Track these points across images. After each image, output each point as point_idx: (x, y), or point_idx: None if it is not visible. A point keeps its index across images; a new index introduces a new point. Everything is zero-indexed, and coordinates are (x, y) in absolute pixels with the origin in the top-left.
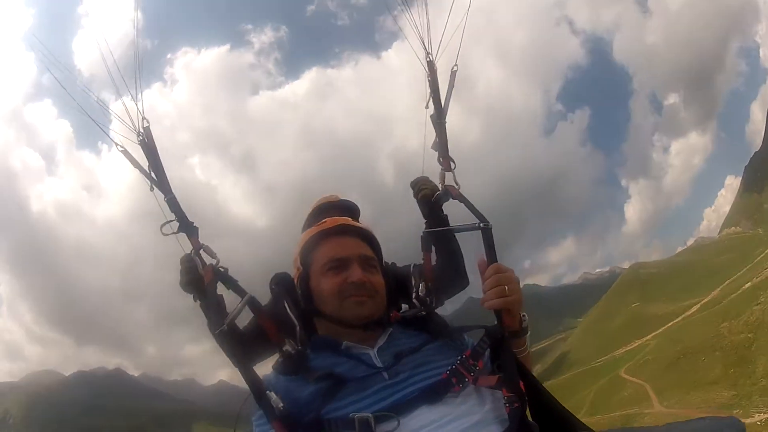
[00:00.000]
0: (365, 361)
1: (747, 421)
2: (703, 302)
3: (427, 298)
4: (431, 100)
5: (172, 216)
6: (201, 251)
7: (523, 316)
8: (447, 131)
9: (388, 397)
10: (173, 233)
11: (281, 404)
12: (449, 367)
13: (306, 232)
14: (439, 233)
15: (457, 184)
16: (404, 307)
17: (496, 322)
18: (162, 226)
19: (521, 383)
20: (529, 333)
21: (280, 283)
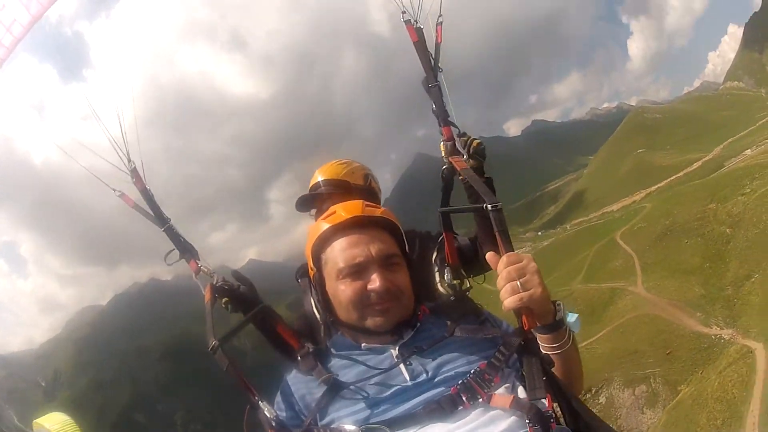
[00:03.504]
0: (383, 362)
1: (705, 330)
2: (704, 159)
3: (455, 283)
4: (420, 63)
5: (172, 245)
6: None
7: (558, 304)
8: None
9: (405, 402)
10: (176, 261)
11: (275, 414)
12: (463, 379)
13: (314, 225)
14: (471, 193)
15: (463, 155)
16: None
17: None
18: (165, 256)
19: (549, 397)
20: (566, 326)
21: (305, 275)
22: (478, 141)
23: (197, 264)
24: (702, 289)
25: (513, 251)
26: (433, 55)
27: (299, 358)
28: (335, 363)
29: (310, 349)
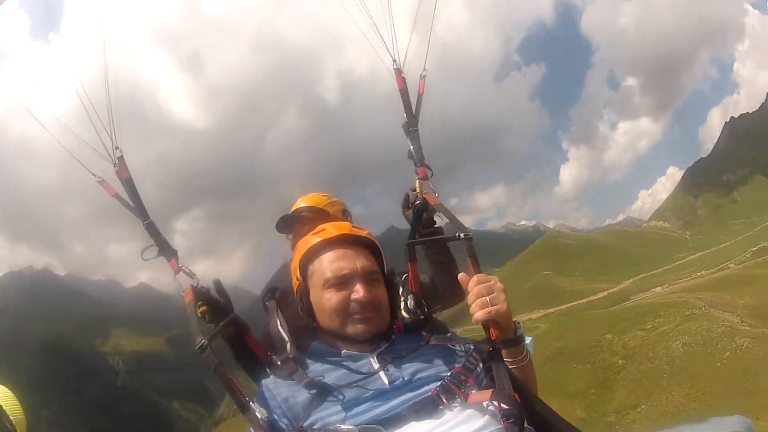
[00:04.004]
0: (363, 367)
1: None
2: (611, 290)
3: (417, 310)
4: (403, 109)
5: (152, 241)
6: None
7: (517, 324)
8: (420, 138)
9: (384, 403)
10: (154, 258)
11: (265, 415)
12: (440, 381)
13: (304, 239)
14: (436, 248)
15: (435, 193)
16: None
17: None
18: (142, 251)
19: (516, 396)
20: (524, 343)
21: (272, 298)
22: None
23: (178, 264)
24: (584, 413)
25: (482, 273)
26: (415, 104)
27: (279, 362)
28: (314, 368)
29: (290, 355)
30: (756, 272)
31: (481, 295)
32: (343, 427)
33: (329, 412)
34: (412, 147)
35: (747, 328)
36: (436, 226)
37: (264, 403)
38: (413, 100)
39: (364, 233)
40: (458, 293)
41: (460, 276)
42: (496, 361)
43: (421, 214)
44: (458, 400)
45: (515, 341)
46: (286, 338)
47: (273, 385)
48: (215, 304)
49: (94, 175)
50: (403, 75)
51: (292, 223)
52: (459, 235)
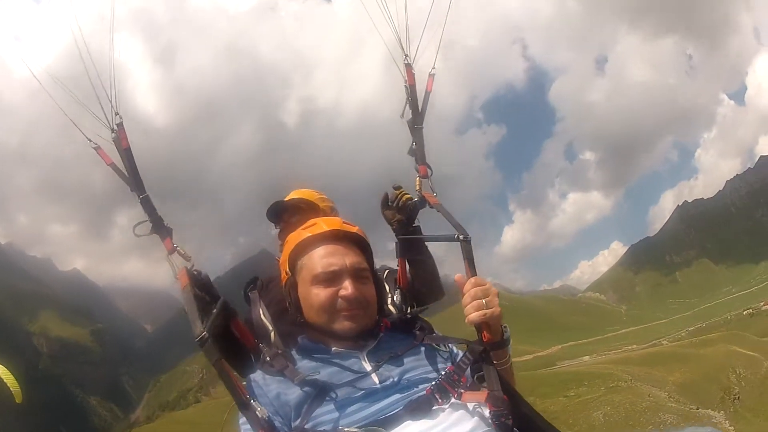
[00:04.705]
0: (353, 365)
1: None
2: (537, 354)
3: (403, 306)
4: (407, 104)
5: (146, 216)
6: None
7: (504, 327)
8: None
9: (376, 402)
10: (146, 234)
11: (266, 414)
12: (434, 381)
13: (295, 234)
14: (412, 243)
15: (434, 192)
16: (391, 309)
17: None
18: (135, 226)
19: (505, 397)
20: (510, 344)
21: (254, 288)
22: (409, 196)
23: (172, 244)
24: None
25: (477, 276)
26: (421, 101)
27: (268, 358)
28: (303, 364)
29: (278, 350)
30: (689, 351)
31: (477, 297)
32: (345, 429)
33: (322, 411)
34: (414, 144)
35: (674, 404)
36: (415, 224)
37: (255, 400)
38: (420, 97)
39: (354, 229)
40: (435, 292)
41: (457, 277)
42: (487, 362)
43: (417, 210)
44: (452, 399)
45: (502, 344)
46: (270, 327)
47: (262, 380)
48: (207, 289)
49: (90, 141)
50: (413, 71)
51: (283, 211)
52: (458, 236)
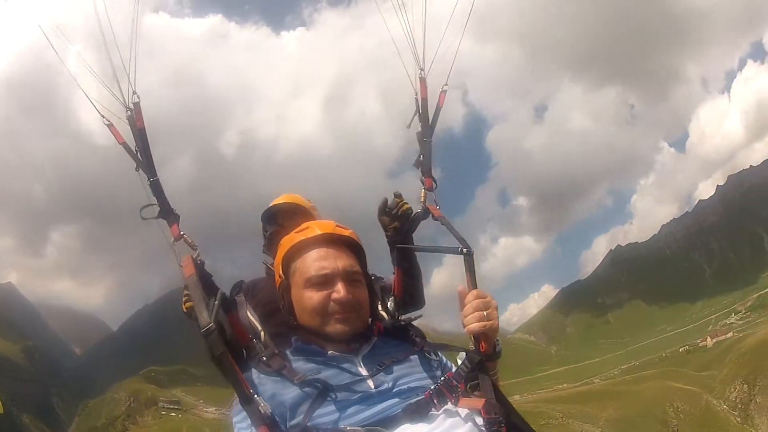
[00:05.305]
0: (350, 368)
1: None
2: None
3: (396, 313)
4: (417, 116)
5: (154, 200)
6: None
7: (497, 341)
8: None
9: (372, 406)
10: (153, 218)
11: (269, 410)
12: (432, 386)
13: (288, 237)
14: (407, 252)
15: (437, 205)
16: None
17: (471, 345)
18: (142, 209)
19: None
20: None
21: (240, 292)
22: (408, 206)
23: (179, 230)
24: None
25: (479, 289)
26: (432, 115)
27: (264, 358)
28: (300, 365)
29: (276, 350)
30: (622, 388)
31: (479, 308)
32: (350, 427)
33: (323, 411)
34: (422, 156)
35: None
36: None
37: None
38: (431, 111)
39: (347, 233)
40: (417, 302)
41: (459, 288)
42: (483, 371)
43: (419, 221)
44: (449, 404)
45: (495, 356)
46: (259, 327)
47: (257, 379)
48: (207, 281)
49: (104, 117)
50: (426, 85)
51: (279, 214)
52: (462, 249)
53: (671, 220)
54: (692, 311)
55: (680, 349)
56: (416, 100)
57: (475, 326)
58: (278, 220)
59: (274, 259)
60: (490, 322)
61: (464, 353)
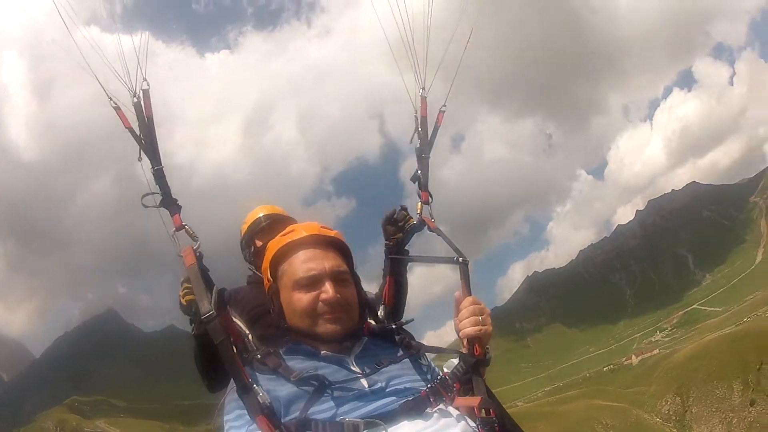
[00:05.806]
0: (343, 368)
1: None
2: None
3: (385, 321)
4: (417, 134)
5: (157, 188)
6: (181, 231)
7: (487, 348)
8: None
9: (369, 403)
10: (154, 206)
11: (268, 399)
12: (427, 385)
13: (275, 241)
14: (398, 265)
15: (432, 218)
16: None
17: (463, 349)
18: (143, 196)
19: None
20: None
21: (223, 297)
22: (413, 221)
23: (181, 221)
24: None
25: (474, 296)
26: (431, 133)
27: (259, 356)
28: (294, 365)
29: (271, 350)
30: (547, 409)
31: (475, 314)
32: (348, 419)
33: (320, 407)
34: (420, 171)
35: None
36: (406, 247)
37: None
38: (430, 129)
39: (332, 233)
40: (396, 312)
41: (456, 294)
42: (477, 374)
43: (413, 233)
44: (444, 402)
45: (485, 362)
46: (246, 331)
47: (251, 376)
48: (205, 274)
49: (111, 99)
50: (427, 103)
51: (268, 227)
52: (458, 259)
53: (589, 245)
54: (614, 332)
55: (604, 369)
56: (416, 118)
57: (470, 330)
58: (270, 231)
59: (260, 268)
60: (485, 327)
61: (452, 361)
